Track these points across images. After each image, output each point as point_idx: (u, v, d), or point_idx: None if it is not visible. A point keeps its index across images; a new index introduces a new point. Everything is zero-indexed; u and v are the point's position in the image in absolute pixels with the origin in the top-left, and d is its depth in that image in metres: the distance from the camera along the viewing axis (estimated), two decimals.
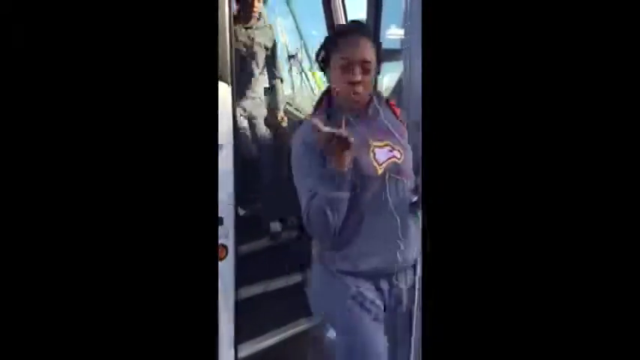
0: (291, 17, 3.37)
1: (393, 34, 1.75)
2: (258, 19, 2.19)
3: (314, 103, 1.28)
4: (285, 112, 2.57)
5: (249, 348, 1.71)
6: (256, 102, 2.31)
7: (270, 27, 2.29)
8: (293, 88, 3.01)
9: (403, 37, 1.38)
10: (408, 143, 1.21)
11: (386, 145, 1.16)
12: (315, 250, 1.27)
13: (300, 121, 1.90)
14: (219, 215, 1.42)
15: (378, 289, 1.18)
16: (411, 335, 1.26)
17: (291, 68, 2.96)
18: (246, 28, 2.16)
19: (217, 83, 1.22)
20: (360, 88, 1.11)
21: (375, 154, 1.14)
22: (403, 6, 1.39)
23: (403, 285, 1.20)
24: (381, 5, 1.76)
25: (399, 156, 1.15)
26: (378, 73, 1.20)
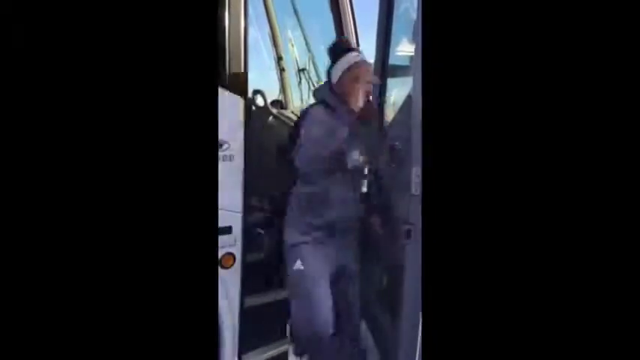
0: (299, 30, 3.41)
1: (402, 50, 1.77)
2: None
3: None
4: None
5: (253, 358, 1.71)
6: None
7: None
8: (302, 100, 3.04)
9: (413, 53, 1.40)
10: None
11: None
12: None
13: None
14: (229, 224, 1.44)
15: None
16: None
17: (300, 81, 2.99)
18: None
19: (218, 91, 1.24)
20: None
21: None
22: (413, 22, 1.42)
23: None
24: (391, 22, 1.78)
25: None
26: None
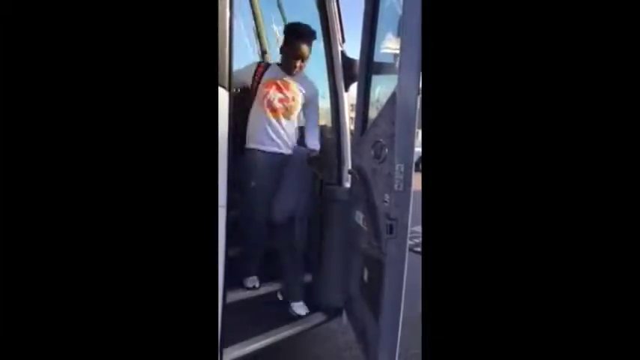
0: (283, 24, 3.39)
1: (387, 47, 1.78)
2: None
3: None
4: None
5: (234, 352, 1.70)
6: None
7: None
8: None
9: (398, 51, 1.41)
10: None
11: None
12: None
13: None
14: None
15: None
16: None
17: None
18: None
19: (217, 87, 1.24)
20: None
21: None
22: (399, 19, 1.43)
23: None
24: (377, 18, 1.79)
25: None
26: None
